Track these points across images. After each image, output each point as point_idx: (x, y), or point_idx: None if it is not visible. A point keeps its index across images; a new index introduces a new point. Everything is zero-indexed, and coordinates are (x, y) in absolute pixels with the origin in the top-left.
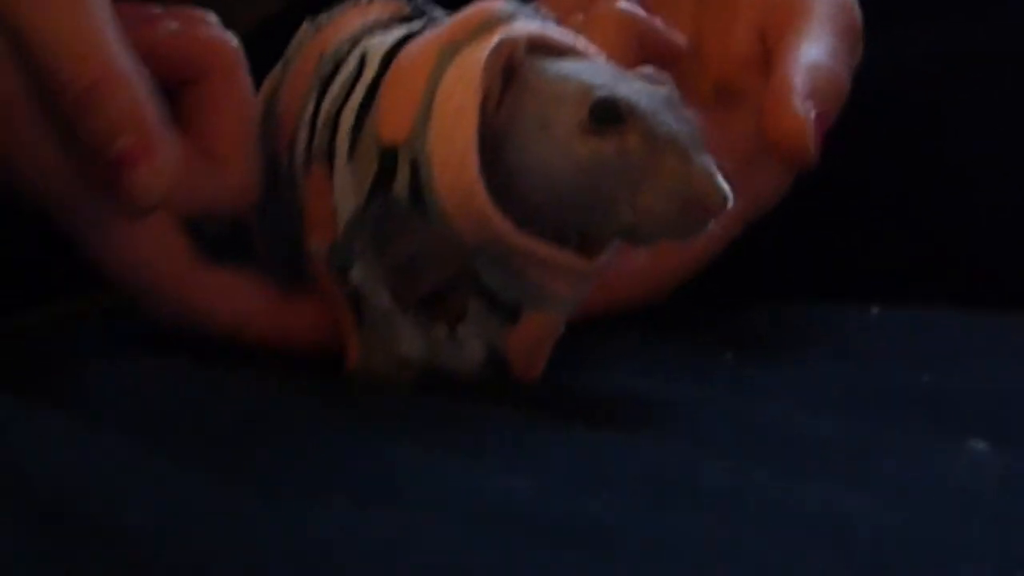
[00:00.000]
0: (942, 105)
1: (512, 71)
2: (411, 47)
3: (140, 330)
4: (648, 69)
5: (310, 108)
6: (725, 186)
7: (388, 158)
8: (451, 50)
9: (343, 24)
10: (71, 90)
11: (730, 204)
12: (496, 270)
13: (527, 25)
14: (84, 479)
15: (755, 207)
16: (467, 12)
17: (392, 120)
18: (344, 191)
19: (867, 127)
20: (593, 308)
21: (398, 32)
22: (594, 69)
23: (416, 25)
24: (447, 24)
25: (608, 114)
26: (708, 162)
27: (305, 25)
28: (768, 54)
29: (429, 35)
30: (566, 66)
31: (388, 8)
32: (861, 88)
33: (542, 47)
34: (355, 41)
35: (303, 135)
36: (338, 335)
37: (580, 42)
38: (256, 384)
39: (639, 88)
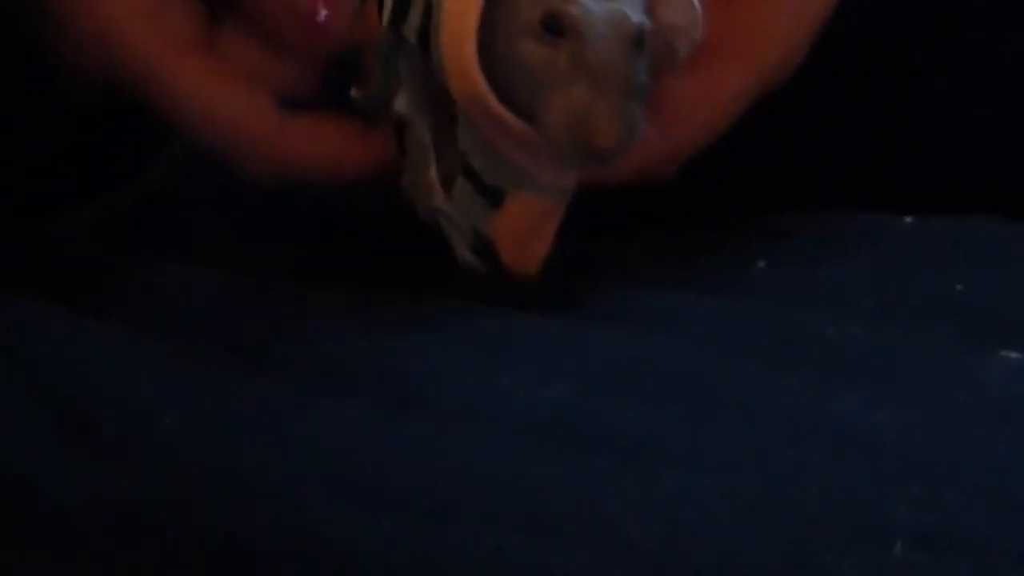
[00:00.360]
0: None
1: None
2: None
3: (174, 237)
4: None
5: None
6: (620, 133)
7: None
8: None
9: None
10: None
11: (618, 151)
12: (479, 147)
13: None
14: (117, 385)
15: (761, 81)
16: None
17: None
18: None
19: (896, 37)
20: (594, 180)
21: None
22: None
23: None
24: None
25: (552, 26)
26: (621, 105)
27: None
28: None
29: None
30: None
31: None
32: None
33: None
34: None
35: None
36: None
37: None
38: (286, 294)
39: (605, 14)
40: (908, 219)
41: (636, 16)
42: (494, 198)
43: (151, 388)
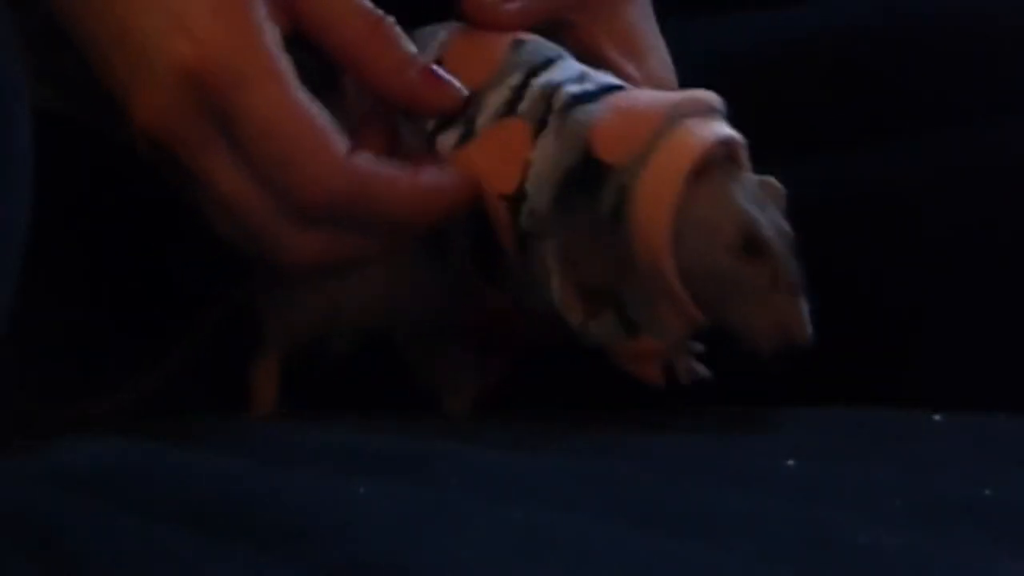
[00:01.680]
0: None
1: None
2: (639, 93)
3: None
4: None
5: (514, 79)
6: (810, 327)
7: (595, 168)
8: (678, 114)
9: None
10: (361, 38)
11: (810, 341)
12: (637, 297)
13: (729, 129)
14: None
15: None
16: (698, 92)
17: (611, 143)
18: (544, 154)
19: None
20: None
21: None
22: (750, 195)
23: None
24: (678, 93)
25: (753, 247)
26: (805, 304)
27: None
28: None
29: (657, 94)
30: (736, 186)
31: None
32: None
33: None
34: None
35: (499, 97)
36: None
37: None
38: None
39: (775, 224)
40: (937, 416)
41: (786, 224)
42: (632, 331)
43: None
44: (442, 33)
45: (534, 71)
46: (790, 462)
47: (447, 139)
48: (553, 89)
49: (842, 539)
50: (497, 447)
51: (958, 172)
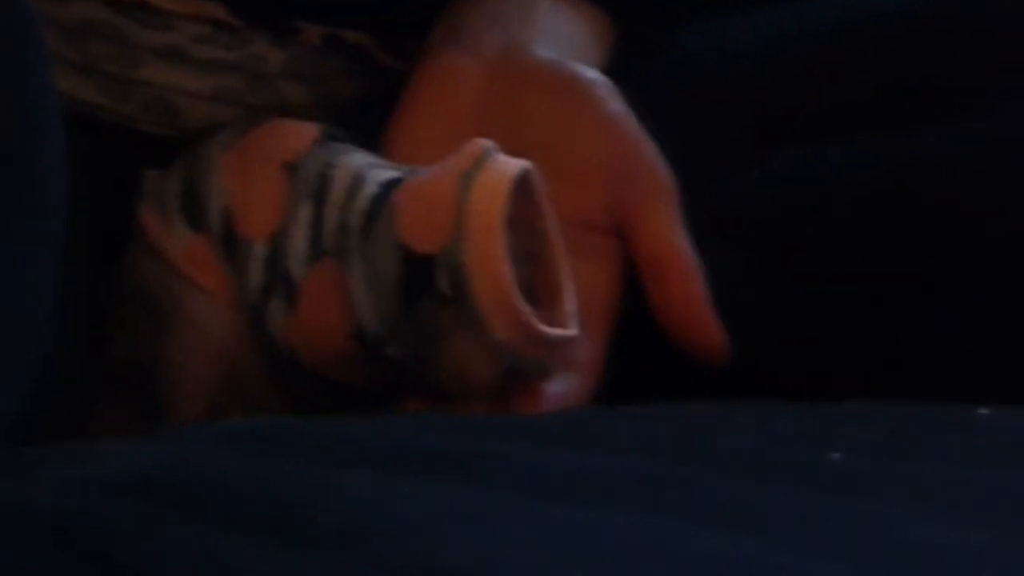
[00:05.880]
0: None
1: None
2: (420, 175)
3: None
4: None
5: (304, 211)
6: None
7: (420, 266)
8: (466, 177)
9: (265, 142)
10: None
11: None
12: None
13: (511, 161)
14: None
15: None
16: (466, 147)
17: (421, 234)
18: (361, 285)
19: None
20: None
21: (361, 158)
22: None
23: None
24: (451, 157)
25: None
26: None
27: (215, 141)
28: (622, 226)
29: (435, 166)
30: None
31: (305, 131)
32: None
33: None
34: (327, 160)
35: (299, 234)
36: None
37: None
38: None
39: None
40: (982, 410)
41: None
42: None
43: None
44: (213, 176)
45: (319, 195)
46: (836, 455)
47: (275, 312)
48: (345, 213)
49: (888, 533)
50: (542, 445)
51: None
